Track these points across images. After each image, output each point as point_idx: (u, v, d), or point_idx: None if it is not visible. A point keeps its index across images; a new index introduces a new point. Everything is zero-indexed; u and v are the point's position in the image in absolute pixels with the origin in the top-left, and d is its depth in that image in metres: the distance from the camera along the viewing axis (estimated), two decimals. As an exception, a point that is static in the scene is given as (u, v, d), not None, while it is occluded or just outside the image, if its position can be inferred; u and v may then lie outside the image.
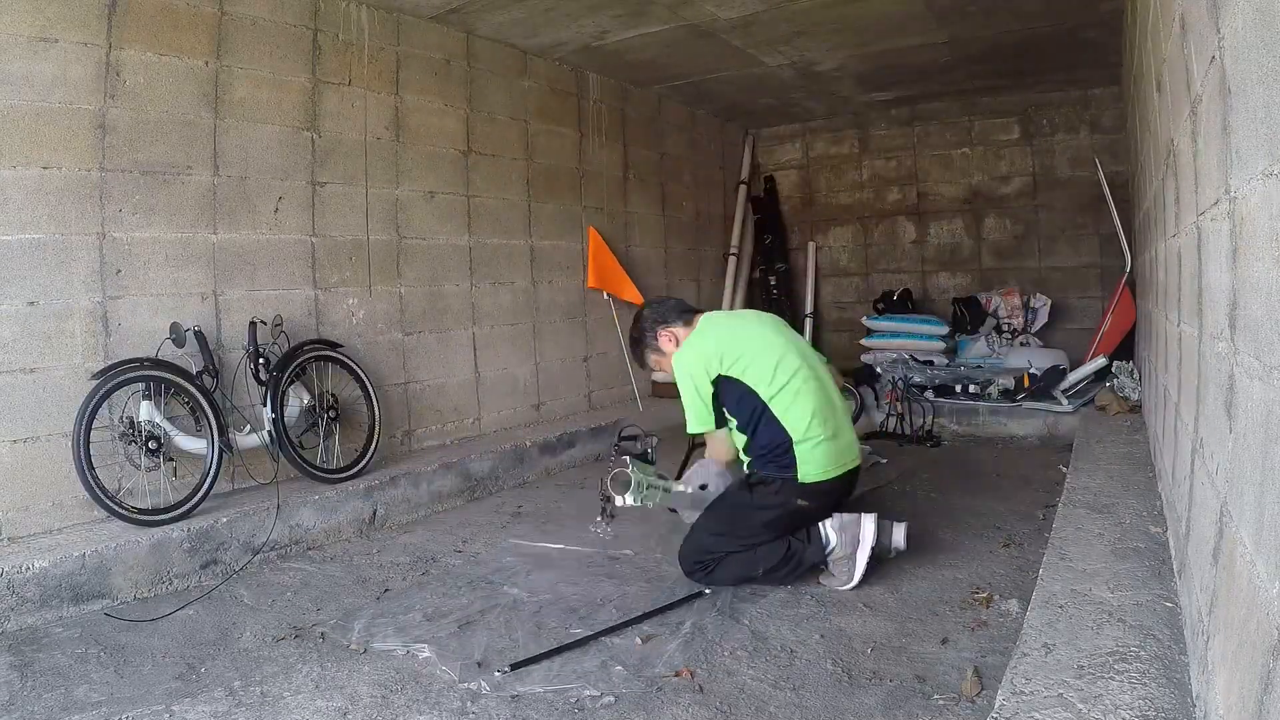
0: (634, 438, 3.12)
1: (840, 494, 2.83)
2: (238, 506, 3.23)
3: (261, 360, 3.45)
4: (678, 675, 2.18)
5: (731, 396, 2.78)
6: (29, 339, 2.93)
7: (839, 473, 2.76)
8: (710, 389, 2.78)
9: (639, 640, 2.39)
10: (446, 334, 4.53)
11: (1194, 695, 1.47)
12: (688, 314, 3.02)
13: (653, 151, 6.27)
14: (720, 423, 2.84)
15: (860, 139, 7.20)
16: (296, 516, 3.37)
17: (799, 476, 2.69)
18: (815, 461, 2.70)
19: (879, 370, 5.83)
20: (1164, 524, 2.42)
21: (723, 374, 2.76)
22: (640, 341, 3.06)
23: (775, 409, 2.72)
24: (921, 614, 2.51)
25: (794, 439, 2.70)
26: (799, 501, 2.71)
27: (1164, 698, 1.47)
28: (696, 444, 3.27)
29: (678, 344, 2.94)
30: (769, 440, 2.74)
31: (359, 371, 3.84)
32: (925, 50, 5.21)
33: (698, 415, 2.83)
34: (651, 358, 3.06)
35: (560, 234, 5.33)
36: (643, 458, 2.95)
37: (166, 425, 3.11)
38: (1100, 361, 5.11)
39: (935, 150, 6.89)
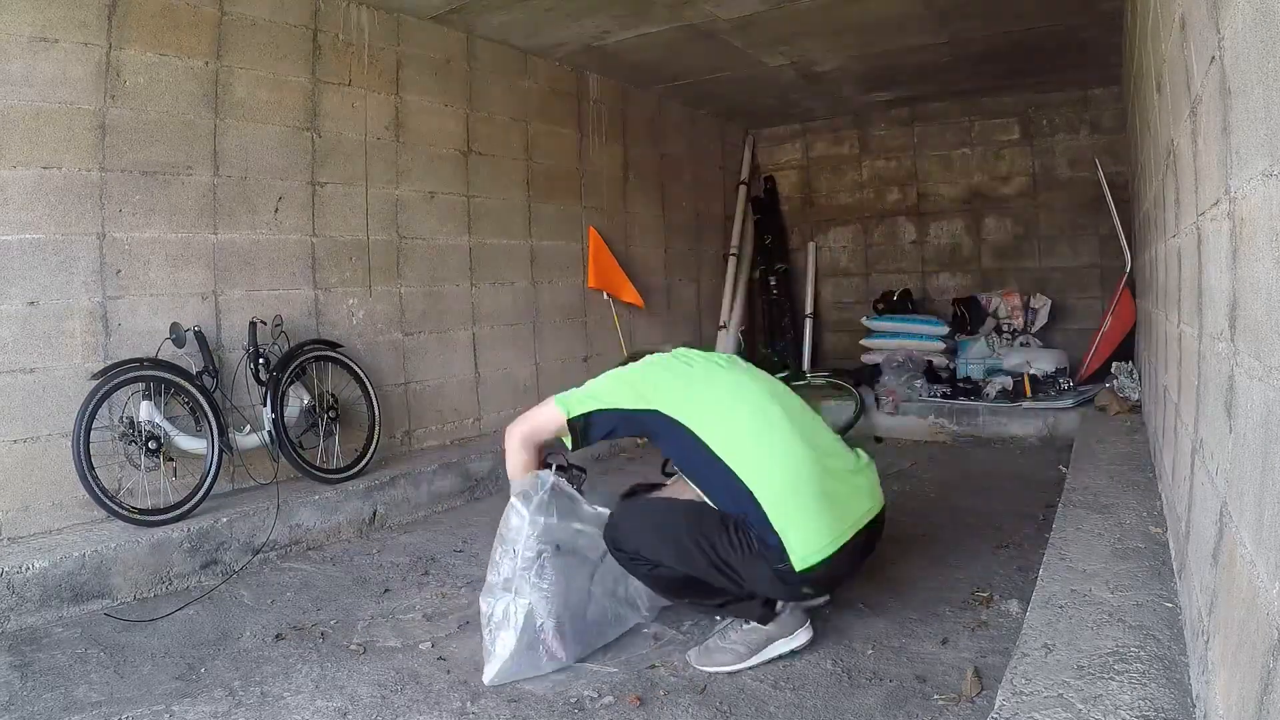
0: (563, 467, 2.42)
1: (856, 563, 2.23)
2: (238, 506, 3.23)
3: (261, 360, 3.45)
4: (677, 675, 2.18)
5: (670, 442, 2.19)
6: (29, 339, 2.93)
7: (845, 541, 2.09)
8: (637, 403, 2.17)
9: (642, 640, 2.39)
10: (446, 334, 4.53)
11: (1194, 695, 1.47)
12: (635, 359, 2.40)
13: (653, 152, 6.27)
14: (588, 433, 2.19)
15: (860, 139, 7.19)
16: (296, 516, 3.37)
17: (794, 564, 2.04)
18: (808, 541, 2.05)
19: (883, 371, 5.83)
20: (1164, 524, 2.42)
21: (658, 409, 2.15)
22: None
23: (736, 468, 2.08)
24: (921, 614, 2.51)
25: (769, 514, 2.04)
26: (803, 589, 2.18)
27: (1164, 698, 1.47)
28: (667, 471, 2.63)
29: None
30: (740, 510, 2.09)
31: (359, 372, 3.84)
32: (925, 50, 5.20)
33: (592, 394, 2.17)
34: None
35: (560, 234, 5.33)
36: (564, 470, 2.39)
37: (166, 425, 3.11)
38: None
39: (935, 150, 6.88)
